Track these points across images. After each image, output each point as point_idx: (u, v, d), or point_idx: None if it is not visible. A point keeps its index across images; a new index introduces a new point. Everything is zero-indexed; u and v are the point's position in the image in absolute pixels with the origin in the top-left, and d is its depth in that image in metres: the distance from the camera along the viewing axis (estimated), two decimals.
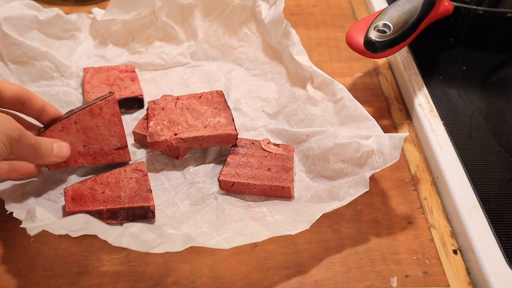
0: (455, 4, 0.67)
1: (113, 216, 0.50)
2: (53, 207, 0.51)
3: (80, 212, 0.48)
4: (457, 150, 0.56)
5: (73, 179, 0.54)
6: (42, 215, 0.42)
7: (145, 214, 0.50)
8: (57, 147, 0.50)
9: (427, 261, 0.48)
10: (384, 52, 0.56)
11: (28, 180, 0.52)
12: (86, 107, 0.53)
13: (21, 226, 0.42)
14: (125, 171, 0.53)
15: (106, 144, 0.53)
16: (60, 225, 0.43)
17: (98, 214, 0.49)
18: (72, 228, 0.44)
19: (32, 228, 0.40)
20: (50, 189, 0.53)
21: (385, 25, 0.57)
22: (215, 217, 0.50)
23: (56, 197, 0.52)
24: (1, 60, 0.62)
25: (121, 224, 0.49)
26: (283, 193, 0.52)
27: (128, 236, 0.41)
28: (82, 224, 0.43)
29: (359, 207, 0.53)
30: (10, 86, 0.50)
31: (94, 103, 0.53)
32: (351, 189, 0.49)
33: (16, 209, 0.48)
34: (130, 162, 0.55)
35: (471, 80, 0.67)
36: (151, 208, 0.50)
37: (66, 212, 0.48)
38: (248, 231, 0.46)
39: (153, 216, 0.51)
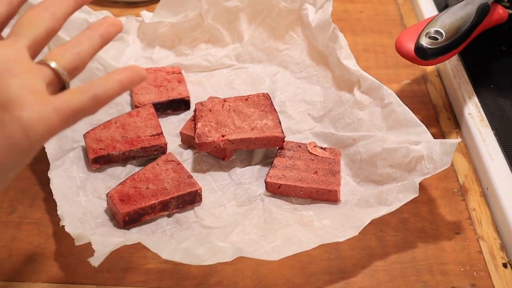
0: (510, 11, 0.65)
1: (165, 207, 0.51)
2: (102, 205, 0.52)
3: (134, 210, 0.49)
4: (509, 161, 0.55)
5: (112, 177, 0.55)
6: (98, 246, 0.43)
7: (193, 199, 0.52)
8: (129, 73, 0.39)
9: (475, 273, 0.47)
10: (435, 60, 0.55)
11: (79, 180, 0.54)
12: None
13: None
14: (157, 164, 0.54)
15: (142, 133, 0.57)
16: (117, 245, 0.43)
17: (151, 209, 0.50)
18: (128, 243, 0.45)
19: (95, 260, 0.40)
20: (99, 186, 0.54)
21: (437, 32, 0.56)
22: (262, 222, 0.50)
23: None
24: None
25: (169, 216, 0.51)
26: (330, 197, 0.52)
27: (180, 251, 0.43)
28: (136, 239, 0.44)
29: (405, 215, 0.52)
30: None
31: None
32: (399, 195, 0.48)
33: (68, 217, 0.48)
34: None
35: None
36: (198, 191, 0.52)
37: (121, 214, 0.49)
38: (297, 239, 0.46)
39: (201, 199, 0.52)
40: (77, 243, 0.44)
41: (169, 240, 0.48)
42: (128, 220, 0.49)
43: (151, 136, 0.57)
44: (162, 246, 0.43)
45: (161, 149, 0.56)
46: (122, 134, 0.57)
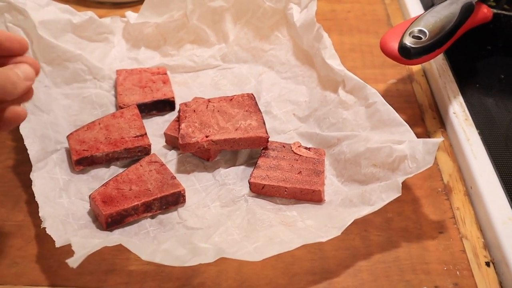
0: (495, 11, 0.65)
1: (148, 208, 0.50)
2: (85, 207, 0.52)
3: (117, 212, 0.49)
4: (493, 160, 0.55)
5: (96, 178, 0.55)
6: (78, 247, 0.42)
7: (176, 200, 0.52)
8: (21, 71, 0.43)
9: (458, 272, 0.47)
10: (419, 59, 0.55)
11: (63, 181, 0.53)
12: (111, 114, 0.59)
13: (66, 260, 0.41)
14: (141, 165, 0.54)
15: (125, 134, 0.57)
16: (96, 246, 0.43)
17: (134, 210, 0.50)
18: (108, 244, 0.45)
19: (73, 261, 0.40)
20: (82, 188, 0.53)
21: (420, 31, 0.56)
22: (245, 222, 0.50)
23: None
24: None
25: (152, 217, 0.51)
26: (314, 197, 0.52)
27: (161, 252, 0.43)
28: (116, 241, 0.44)
29: (389, 215, 0.52)
30: None
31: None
32: (383, 194, 0.48)
33: (50, 219, 0.48)
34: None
35: (509, 89, 0.65)
36: (182, 192, 0.52)
37: (104, 215, 0.49)
38: (279, 239, 0.46)
39: (184, 200, 0.52)
40: (57, 245, 0.44)
41: (151, 242, 0.48)
42: (110, 221, 0.49)
43: (135, 137, 0.57)
44: (142, 247, 0.43)
45: (145, 150, 0.56)
46: (106, 136, 0.56)
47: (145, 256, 0.42)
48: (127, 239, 0.45)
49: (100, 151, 0.55)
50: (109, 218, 0.49)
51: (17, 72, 0.43)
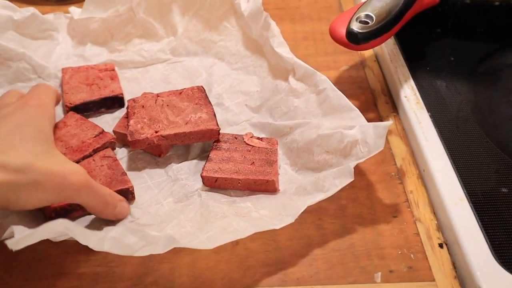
0: None
1: None
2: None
3: (60, 206, 0.47)
4: (444, 142, 0.55)
5: None
6: (19, 230, 0.41)
7: (125, 197, 0.50)
8: (120, 208, 0.48)
9: (412, 255, 0.47)
10: (367, 44, 0.55)
11: None
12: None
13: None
14: (93, 160, 0.52)
15: (84, 137, 0.54)
16: (41, 234, 0.41)
17: (79, 205, 0.48)
18: (53, 234, 0.43)
19: (14, 243, 0.38)
20: None
21: (367, 16, 0.55)
22: (199, 216, 0.49)
23: None
24: None
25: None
26: (268, 187, 0.51)
27: (109, 240, 0.41)
28: (62, 230, 0.41)
29: (343, 202, 0.52)
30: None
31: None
32: (336, 180, 0.48)
33: None
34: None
35: (458, 71, 0.66)
36: (130, 189, 0.50)
37: (47, 209, 0.47)
38: (232, 228, 0.45)
39: (133, 197, 0.51)
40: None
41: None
42: (54, 216, 0.47)
43: (95, 137, 0.54)
44: (89, 234, 0.40)
45: (112, 145, 0.55)
46: (65, 146, 0.54)
47: (92, 244, 0.40)
48: (73, 225, 0.42)
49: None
50: (53, 213, 0.47)
51: (117, 204, 0.48)
